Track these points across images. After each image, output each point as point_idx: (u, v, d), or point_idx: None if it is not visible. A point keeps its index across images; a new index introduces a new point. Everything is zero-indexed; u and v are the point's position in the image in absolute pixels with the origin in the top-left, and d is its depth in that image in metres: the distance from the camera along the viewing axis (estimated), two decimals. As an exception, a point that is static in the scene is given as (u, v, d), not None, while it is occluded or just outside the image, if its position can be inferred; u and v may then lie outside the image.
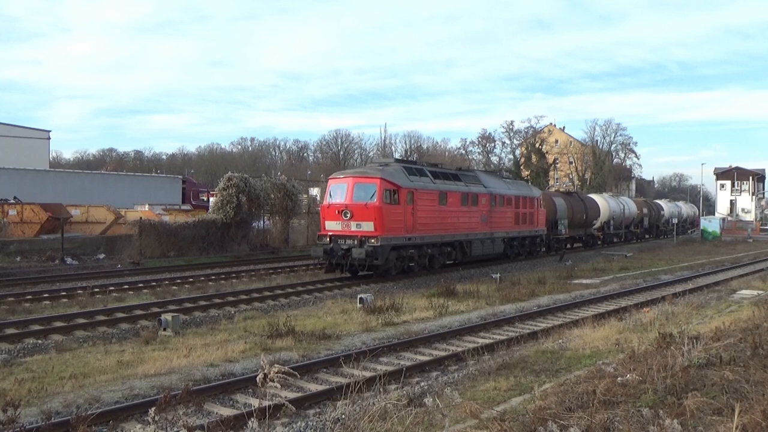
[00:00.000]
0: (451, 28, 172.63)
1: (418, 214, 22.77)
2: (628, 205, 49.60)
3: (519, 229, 30.93)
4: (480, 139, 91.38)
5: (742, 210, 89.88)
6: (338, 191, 22.32)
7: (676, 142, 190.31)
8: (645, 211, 53.34)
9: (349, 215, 21.46)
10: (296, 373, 5.69)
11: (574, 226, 39.35)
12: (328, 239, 21.83)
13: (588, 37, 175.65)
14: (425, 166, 25.66)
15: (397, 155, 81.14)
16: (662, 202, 63.57)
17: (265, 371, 5.12)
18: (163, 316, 13.65)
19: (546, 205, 34.41)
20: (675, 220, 57.80)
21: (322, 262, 22.84)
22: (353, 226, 21.42)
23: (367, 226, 21.19)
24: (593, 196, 46.66)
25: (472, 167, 66.45)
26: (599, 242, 44.48)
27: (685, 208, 68.90)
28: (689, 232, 67.00)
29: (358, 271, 22.35)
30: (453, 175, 26.56)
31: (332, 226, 21.98)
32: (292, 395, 9.09)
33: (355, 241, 21.10)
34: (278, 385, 5.11)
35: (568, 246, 39.55)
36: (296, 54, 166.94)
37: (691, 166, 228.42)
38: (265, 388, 5.17)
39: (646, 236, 54.65)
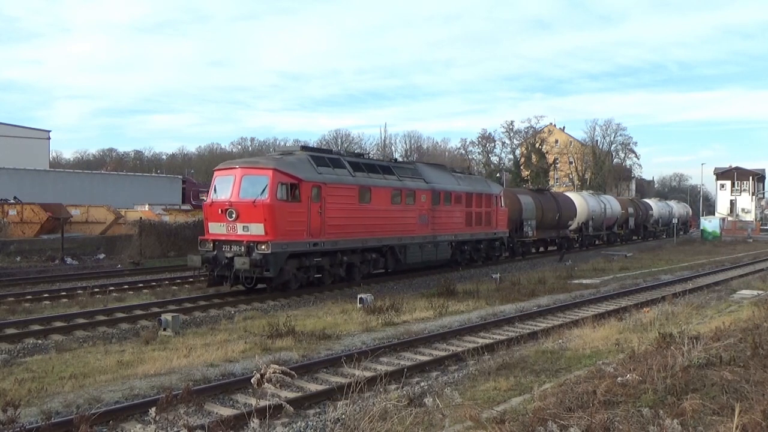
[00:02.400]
0: (451, 28, 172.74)
1: (328, 214, 18.83)
2: (611, 204, 45.96)
3: (472, 231, 26.72)
4: (480, 139, 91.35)
5: (742, 210, 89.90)
6: (224, 186, 18.32)
7: (676, 142, 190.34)
8: (631, 210, 49.80)
9: (234, 216, 17.54)
10: (293, 373, 5.65)
11: (545, 228, 35.34)
12: (211, 245, 18.12)
13: (588, 37, 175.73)
14: (344, 156, 21.52)
15: (397, 155, 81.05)
16: (651, 202, 59.88)
17: (262, 371, 5.11)
18: (163, 316, 13.65)
19: (510, 204, 30.60)
20: (675, 221, 57.05)
21: (202, 273, 18.89)
22: (239, 229, 17.56)
23: (256, 229, 17.34)
24: (569, 194, 43.23)
25: (472, 167, 65.81)
26: (576, 245, 39.91)
27: (677, 208, 64.89)
28: (681, 233, 61.45)
29: (254, 283, 18.30)
30: (383, 168, 22.38)
31: (216, 229, 18.09)
32: (292, 395, 9.10)
33: (242, 248, 17.40)
34: (272, 386, 5.10)
35: (542, 249, 36.62)
36: (296, 54, 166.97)
37: (691, 166, 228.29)
38: (261, 388, 5.15)
39: (634, 238, 51.43)
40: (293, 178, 17.98)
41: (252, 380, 5.24)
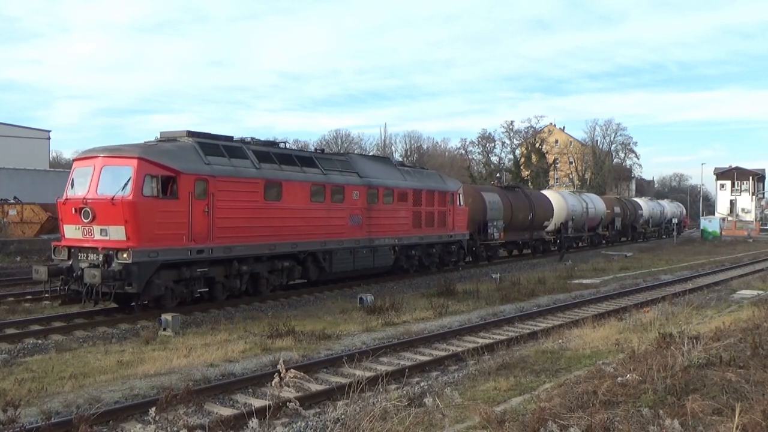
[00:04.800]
0: (451, 28, 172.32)
1: (218, 214, 15.58)
2: (594, 203, 42.79)
3: (421, 233, 23.27)
4: (480, 139, 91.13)
5: (742, 210, 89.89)
6: (82, 179, 14.94)
7: (676, 142, 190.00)
8: (617, 210, 46.56)
9: (90, 216, 14.26)
10: (311, 378, 5.72)
11: (516, 229, 31.90)
12: (66, 253, 14.77)
13: (588, 37, 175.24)
14: (248, 145, 17.75)
15: (397, 155, 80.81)
16: (641, 201, 56.45)
17: (282, 375, 5.15)
18: (163, 316, 13.63)
19: (472, 203, 27.54)
20: (675, 220, 56.85)
21: (52, 288, 14.85)
22: (97, 233, 14.25)
23: (116, 233, 14.05)
24: (546, 192, 40.47)
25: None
26: (553, 248, 36.25)
27: (670, 208, 61.54)
28: (675, 235, 55.55)
29: (112, 298, 14.77)
30: (302, 159, 18.90)
31: (71, 232, 14.80)
32: (292, 395, 9.09)
33: (99, 257, 14.12)
34: (293, 390, 5.16)
35: (515, 252, 34.25)
36: (296, 54, 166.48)
37: (691, 166, 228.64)
38: (280, 391, 5.18)
39: (621, 239, 48.44)
40: (167, 170, 14.63)
41: (273, 383, 5.28)
